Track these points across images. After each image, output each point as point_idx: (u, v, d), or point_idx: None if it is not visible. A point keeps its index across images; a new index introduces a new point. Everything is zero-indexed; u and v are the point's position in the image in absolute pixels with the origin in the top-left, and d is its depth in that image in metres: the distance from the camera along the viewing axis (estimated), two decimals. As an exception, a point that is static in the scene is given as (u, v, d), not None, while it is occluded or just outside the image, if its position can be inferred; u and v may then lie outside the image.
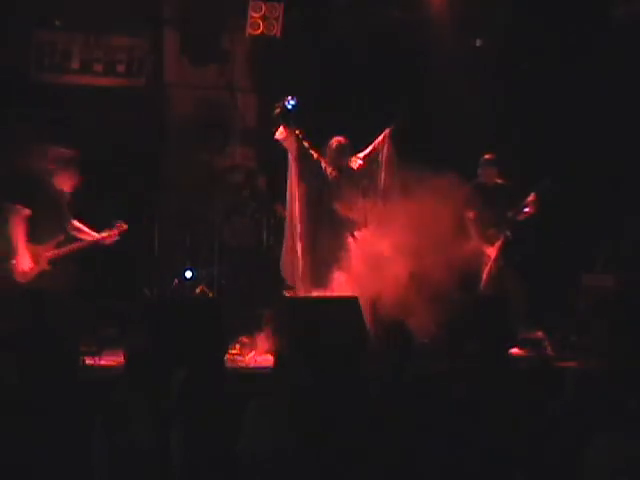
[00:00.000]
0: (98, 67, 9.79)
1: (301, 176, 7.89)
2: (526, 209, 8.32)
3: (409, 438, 4.90)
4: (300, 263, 7.89)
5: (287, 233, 8.02)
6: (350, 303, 7.00)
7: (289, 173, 7.91)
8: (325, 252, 7.80)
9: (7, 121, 8.89)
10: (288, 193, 7.96)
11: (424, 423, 4.96)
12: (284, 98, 7.81)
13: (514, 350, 7.64)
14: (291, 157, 7.87)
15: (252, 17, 9.54)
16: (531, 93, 9.55)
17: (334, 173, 8.00)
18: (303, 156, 7.87)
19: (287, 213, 8.06)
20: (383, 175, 8.04)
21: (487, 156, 8.55)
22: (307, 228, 7.90)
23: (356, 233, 7.85)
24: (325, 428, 4.87)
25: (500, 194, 8.51)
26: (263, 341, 7.82)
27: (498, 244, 8.40)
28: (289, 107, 7.78)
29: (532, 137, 9.51)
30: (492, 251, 8.40)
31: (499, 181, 8.58)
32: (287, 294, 8.04)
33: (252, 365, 7.54)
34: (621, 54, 9.18)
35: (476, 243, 8.42)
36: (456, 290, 7.56)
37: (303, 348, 5.84)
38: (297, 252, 7.89)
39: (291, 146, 7.81)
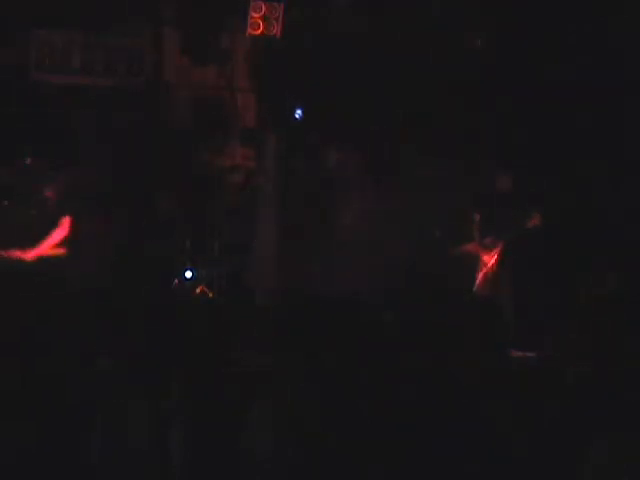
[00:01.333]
0: (98, 67, 9.79)
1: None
2: (532, 220, 8.33)
3: (409, 438, 4.89)
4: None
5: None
6: (351, 303, 7.00)
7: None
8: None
9: (7, 121, 8.89)
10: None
11: (424, 423, 4.96)
12: (294, 107, 7.97)
13: (514, 350, 7.64)
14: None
15: (252, 17, 9.53)
16: (531, 93, 9.54)
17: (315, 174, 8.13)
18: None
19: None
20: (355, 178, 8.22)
21: (498, 164, 8.59)
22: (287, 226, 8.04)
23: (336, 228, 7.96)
24: (325, 428, 4.87)
25: (506, 201, 8.52)
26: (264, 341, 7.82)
27: (496, 251, 8.43)
28: (297, 117, 7.97)
29: (533, 137, 9.50)
30: (488, 258, 8.43)
31: (508, 188, 8.58)
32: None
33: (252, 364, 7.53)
34: (621, 54, 9.18)
35: (475, 246, 8.47)
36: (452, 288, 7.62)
37: (303, 348, 5.84)
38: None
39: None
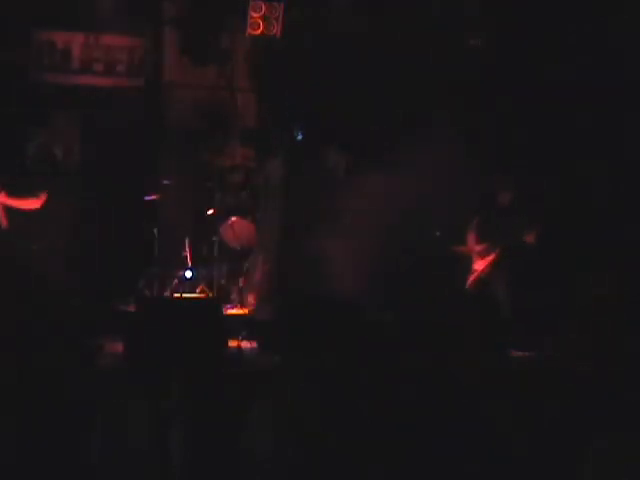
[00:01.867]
0: (98, 67, 9.80)
1: None
2: (527, 237, 8.32)
3: (409, 438, 4.90)
4: None
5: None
6: (351, 303, 7.01)
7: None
8: None
9: (7, 121, 8.89)
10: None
11: (424, 423, 4.96)
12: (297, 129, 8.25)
13: (514, 350, 7.65)
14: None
15: (252, 17, 9.53)
16: (531, 93, 9.55)
17: None
18: None
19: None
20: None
21: (505, 180, 8.62)
22: None
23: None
24: (325, 428, 4.87)
25: (508, 215, 8.53)
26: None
27: (488, 259, 8.43)
28: (299, 138, 8.15)
29: (533, 137, 9.50)
30: (480, 264, 8.44)
31: (508, 200, 8.58)
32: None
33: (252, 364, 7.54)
34: (621, 54, 9.18)
35: (468, 249, 8.49)
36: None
37: (304, 348, 5.85)
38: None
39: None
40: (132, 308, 7.79)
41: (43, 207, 7.93)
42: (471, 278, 8.42)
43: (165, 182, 9.32)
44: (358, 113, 9.34)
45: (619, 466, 4.34)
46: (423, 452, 4.83)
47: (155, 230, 9.13)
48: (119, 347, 6.89)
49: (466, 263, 8.49)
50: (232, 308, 8.84)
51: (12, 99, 9.14)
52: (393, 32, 9.65)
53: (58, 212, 8.03)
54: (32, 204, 7.97)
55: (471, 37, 9.98)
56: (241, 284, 9.02)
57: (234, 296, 9.04)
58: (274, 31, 9.58)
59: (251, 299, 8.70)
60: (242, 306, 8.79)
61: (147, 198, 9.18)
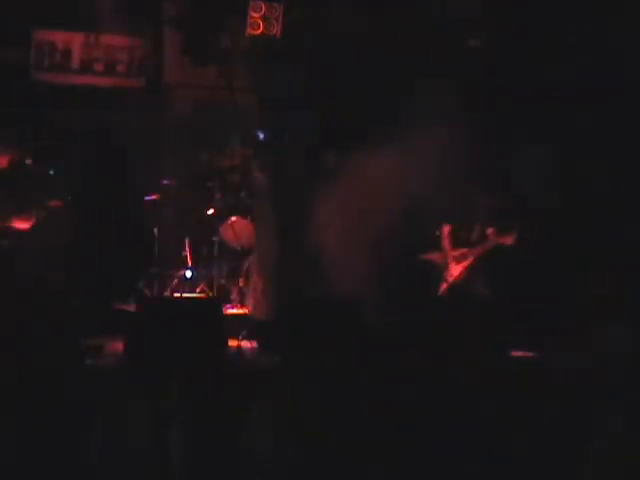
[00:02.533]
0: (98, 67, 9.81)
1: None
2: (506, 239, 8.32)
3: (409, 438, 4.90)
4: None
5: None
6: (350, 307, 7.01)
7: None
8: None
9: (7, 121, 8.89)
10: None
11: (424, 423, 4.96)
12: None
13: (514, 350, 7.65)
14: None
15: (252, 17, 9.53)
16: (531, 93, 9.54)
17: None
18: None
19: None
20: None
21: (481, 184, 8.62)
22: None
23: None
24: (325, 428, 4.87)
25: (484, 215, 8.54)
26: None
27: (465, 263, 8.43)
28: (261, 138, 8.32)
29: (533, 137, 9.50)
30: (456, 269, 8.44)
31: (485, 204, 8.59)
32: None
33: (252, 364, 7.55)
34: (621, 54, 9.18)
35: (443, 256, 8.50)
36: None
37: (304, 348, 5.85)
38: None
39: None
40: (132, 308, 7.79)
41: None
42: (447, 284, 8.41)
43: (165, 182, 9.34)
44: (358, 113, 9.34)
45: (619, 466, 4.35)
46: (423, 452, 4.83)
47: (155, 230, 9.14)
48: (119, 347, 6.89)
49: (436, 272, 8.51)
50: (232, 308, 8.85)
51: (12, 99, 9.14)
52: (393, 32, 9.64)
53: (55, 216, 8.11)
54: (25, 224, 8.05)
55: (471, 37, 9.98)
56: (241, 284, 9.03)
57: (234, 296, 9.05)
58: (274, 31, 9.58)
59: (251, 299, 8.71)
60: (242, 306, 8.80)
61: (147, 198, 9.19)
